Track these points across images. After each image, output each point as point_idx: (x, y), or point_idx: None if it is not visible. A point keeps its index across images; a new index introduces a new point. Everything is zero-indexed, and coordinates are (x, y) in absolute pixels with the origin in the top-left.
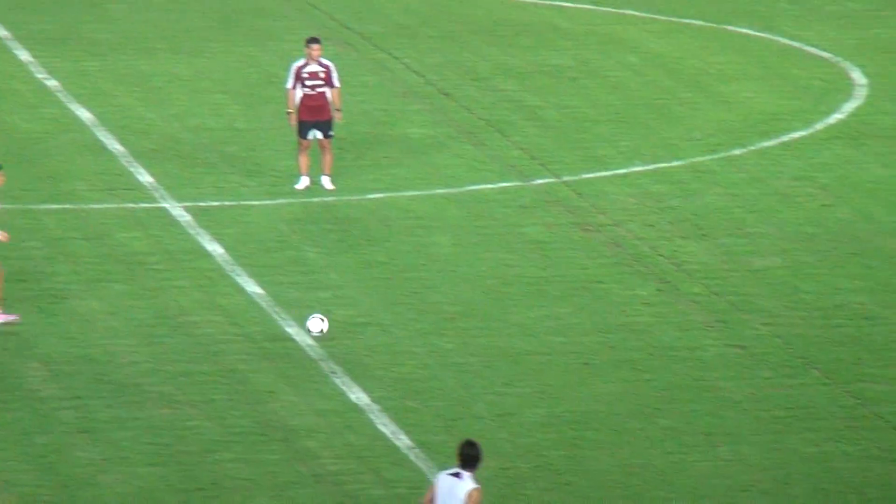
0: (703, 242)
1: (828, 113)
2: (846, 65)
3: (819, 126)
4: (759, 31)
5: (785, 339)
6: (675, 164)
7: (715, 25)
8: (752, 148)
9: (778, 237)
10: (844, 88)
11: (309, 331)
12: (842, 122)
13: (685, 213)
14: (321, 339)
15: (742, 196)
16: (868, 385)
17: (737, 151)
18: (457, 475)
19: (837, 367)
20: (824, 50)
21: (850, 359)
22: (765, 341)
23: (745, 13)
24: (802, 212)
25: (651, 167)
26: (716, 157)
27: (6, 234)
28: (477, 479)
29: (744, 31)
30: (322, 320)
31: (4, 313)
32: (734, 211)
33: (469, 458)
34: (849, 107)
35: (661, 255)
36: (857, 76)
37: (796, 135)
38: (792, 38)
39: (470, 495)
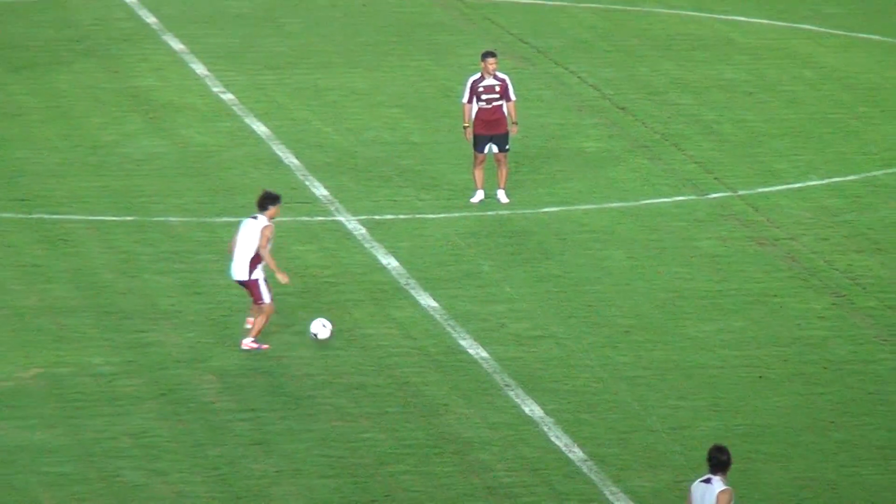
0: (879, 256)
1: None
2: None
3: None
4: None
5: None
6: (850, 178)
7: (892, 40)
8: None
9: None
10: None
11: (315, 335)
12: None
13: (860, 227)
14: (324, 342)
15: None
16: None
17: None
18: (707, 481)
19: None
20: None
21: None
22: None
23: None
24: None
25: (826, 181)
26: (891, 171)
27: (287, 277)
28: (727, 482)
29: None
30: (324, 326)
31: (255, 342)
32: None
33: (719, 462)
34: None
35: (835, 269)
36: None
37: None
38: None
39: (719, 497)
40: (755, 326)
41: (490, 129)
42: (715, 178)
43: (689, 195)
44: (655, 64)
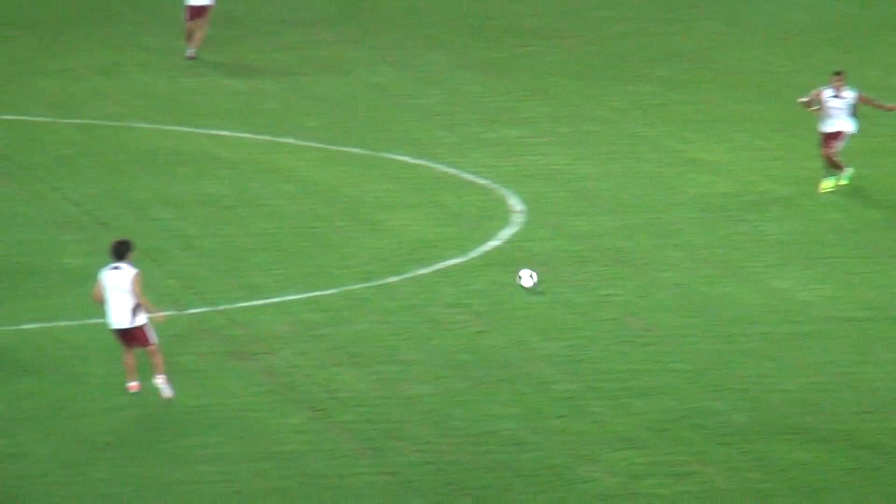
0: (356, 370)
1: (484, 240)
2: (504, 191)
3: (475, 253)
4: (416, 159)
5: (436, 465)
6: (329, 291)
7: (373, 153)
8: (407, 275)
9: (431, 364)
10: (501, 215)
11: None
12: (497, 249)
13: (339, 340)
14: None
15: (395, 323)
16: None
17: (392, 279)
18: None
19: (488, 493)
20: (481, 177)
21: (501, 484)
22: (416, 468)
23: (403, 141)
24: (456, 339)
25: (305, 295)
26: (370, 284)
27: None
28: None
29: (401, 158)
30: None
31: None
32: (387, 339)
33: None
34: (506, 233)
35: (314, 383)
36: (515, 202)
37: (452, 262)
38: (450, 164)
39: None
40: (233, 442)
41: None
42: (195, 294)
43: (168, 310)
44: (137, 179)
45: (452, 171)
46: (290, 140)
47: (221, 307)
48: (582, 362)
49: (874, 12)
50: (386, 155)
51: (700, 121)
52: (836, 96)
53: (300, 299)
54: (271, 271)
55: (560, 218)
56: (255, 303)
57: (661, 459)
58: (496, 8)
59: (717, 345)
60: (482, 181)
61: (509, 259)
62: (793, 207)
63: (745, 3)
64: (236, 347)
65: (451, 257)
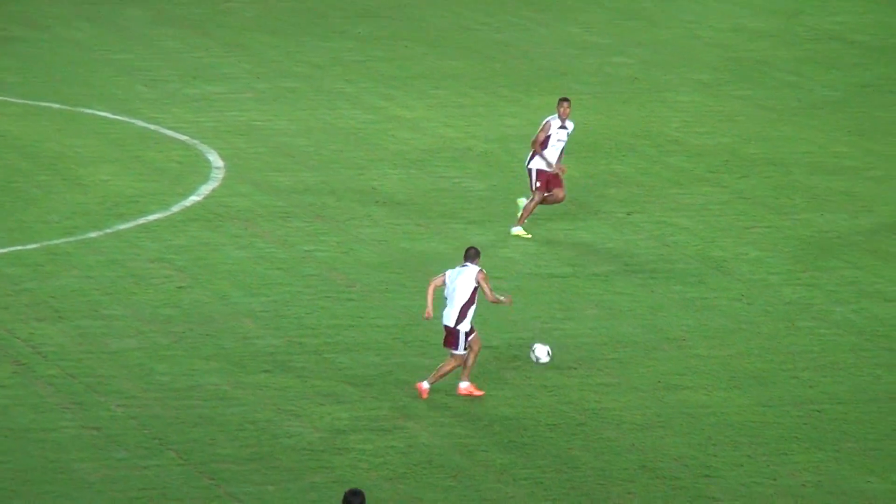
0: (60, 324)
1: (185, 195)
2: (203, 147)
3: (176, 208)
4: (116, 115)
5: (140, 420)
6: (30, 246)
7: (73, 108)
8: (109, 230)
9: (134, 319)
10: (202, 171)
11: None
12: (199, 205)
13: (42, 295)
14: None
15: (98, 278)
16: (223, 465)
17: (94, 234)
18: None
19: (192, 448)
20: (182, 132)
21: (205, 439)
22: (120, 423)
23: (103, 96)
24: (159, 294)
25: (7, 250)
26: (72, 239)
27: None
28: None
29: (102, 113)
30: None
31: (470, 385)
32: (91, 293)
33: None
34: (206, 189)
35: (17, 338)
36: (215, 158)
37: (153, 217)
38: (150, 121)
39: None
40: None
41: None
42: None
43: None
44: None
45: (153, 126)
46: None
47: None
48: (285, 318)
49: None
50: (86, 110)
51: (400, 77)
52: (562, 127)
53: (1, 254)
54: None
55: (261, 174)
56: None
57: (366, 414)
58: None
59: (419, 301)
60: (182, 137)
61: (211, 214)
62: (493, 164)
63: None
64: None
65: (153, 212)
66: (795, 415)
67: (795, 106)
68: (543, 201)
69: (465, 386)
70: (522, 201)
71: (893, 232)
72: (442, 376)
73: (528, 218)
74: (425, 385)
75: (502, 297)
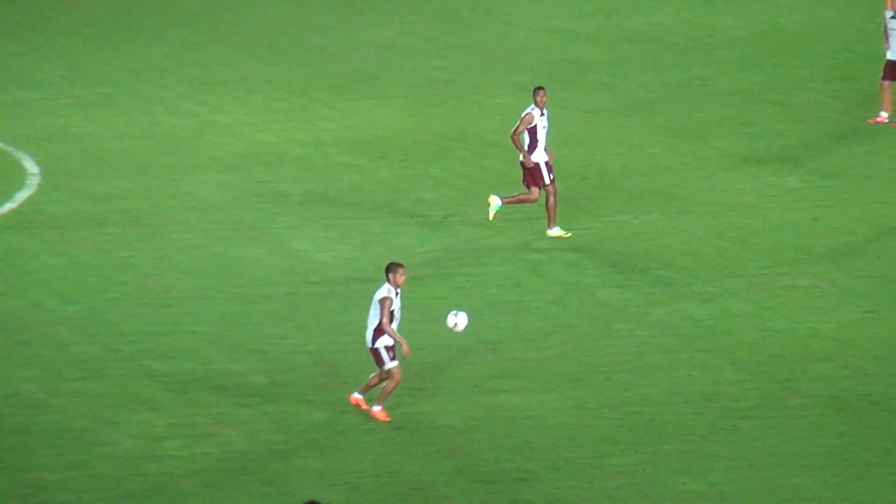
0: None
1: (0, 203)
2: (18, 154)
3: None
4: None
5: None
6: None
7: None
8: None
9: None
10: (17, 178)
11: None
12: (14, 212)
13: None
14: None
15: None
16: (39, 474)
17: None
18: None
19: (8, 457)
20: None
21: (21, 447)
22: None
23: None
24: None
25: None
26: None
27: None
28: None
29: None
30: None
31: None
32: None
33: None
34: (21, 196)
35: None
36: (30, 165)
37: None
38: None
39: None
40: None
41: None
42: None
43: None
44: None
45: None
46: None
47: None
48: (100, 324)
49: None
50: None
51: (215, 82)
52: (543, 114)
53: None
54: None
55: (76, 180)
56: None
57: (182, 421)
58: None
59: (235, 306)
60: None
61: (27, 221)
62: (309, 168)
63: None
64: None
65: None
66: (612, 417)
67: (611, 107)
68: (522, 201)
69: (377, 409)
70: (494, 199)
71: (708, 231)
72: (372, 387)
73: (555, 215)
74: (357, 395)
75: (402, 341)
